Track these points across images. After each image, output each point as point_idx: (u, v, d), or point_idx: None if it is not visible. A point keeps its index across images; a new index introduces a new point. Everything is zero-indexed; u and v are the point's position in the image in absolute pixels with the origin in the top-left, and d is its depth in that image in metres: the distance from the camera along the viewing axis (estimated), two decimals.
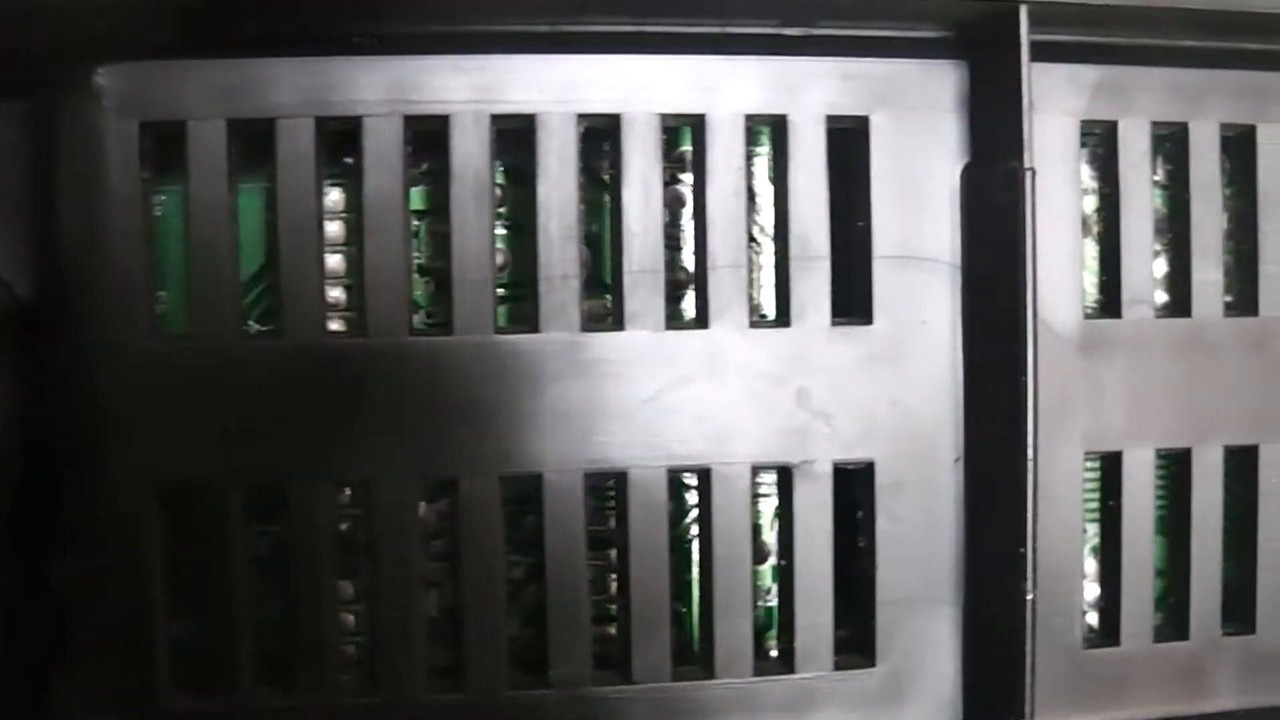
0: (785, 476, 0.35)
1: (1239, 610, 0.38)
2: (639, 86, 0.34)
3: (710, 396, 0.35)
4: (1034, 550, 0.34)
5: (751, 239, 0.36)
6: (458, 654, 0.34)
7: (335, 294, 0.36)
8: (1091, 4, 0.34)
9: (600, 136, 0.35)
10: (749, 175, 0.36)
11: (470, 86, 0.34)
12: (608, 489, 0.36)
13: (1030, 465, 0.33)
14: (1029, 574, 0.34)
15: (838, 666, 0.36)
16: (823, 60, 0.35)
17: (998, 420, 0.34)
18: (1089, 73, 0.36)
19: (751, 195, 0.37)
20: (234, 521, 0.33)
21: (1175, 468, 0.38)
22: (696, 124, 0.35)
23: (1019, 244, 0.33)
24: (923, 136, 0.35)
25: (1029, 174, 0.33)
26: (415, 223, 0.36)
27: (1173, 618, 0.38)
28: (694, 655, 0.36)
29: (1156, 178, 0.38)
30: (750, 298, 0.35)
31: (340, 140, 0.34)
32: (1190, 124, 0.37)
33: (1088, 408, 0.36)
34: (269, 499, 0.33)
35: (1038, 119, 0.36)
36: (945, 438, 0.36)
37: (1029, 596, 0.34)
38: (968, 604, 0.36)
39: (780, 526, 0.36)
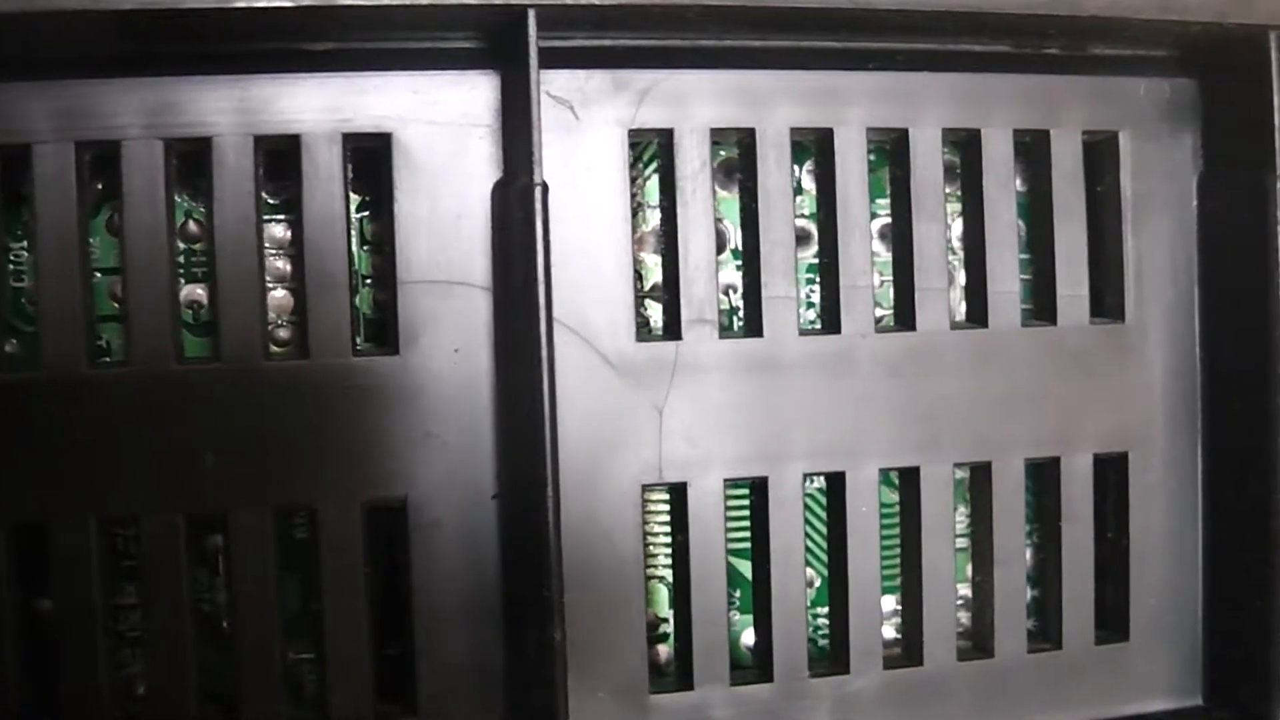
0: (313, 518, 0.33)
1: (832, 650, 0.36)
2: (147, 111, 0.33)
3: (227, 435, 0.33)
4: (560, 592, 0.32)
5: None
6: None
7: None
8: (608, 4, 0.31)
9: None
10: None
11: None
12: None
13: (550, 502, 0.31)
14: (554, 617, 0.32)
15: (379, 717, 0.34)
16: (345, 77, 0.33)
17: (525, 454, 0.32)
18: (640, 79, 0.34)
19: None
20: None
21: (755, 497, 0.35)
22: (204, 148, 0.33)
23: (532, 264, 0.31)
24: (454, 153, 0.33)
25: (539, 190, 0.31)
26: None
27: (758, 660, 0.36)
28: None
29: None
30: (267, 329, 0.33)
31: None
32: (756, 130, 0.34)
33: (646, 436, 0.34)
34: None
35: (586, 130, 0.34)
36: (484, 473, 0.33)
37: (556, 638, 0.32)
38: (510, 650, 0.34)
39: (310, 571, 0.34)
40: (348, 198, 0.33)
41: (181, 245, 0.35)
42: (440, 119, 0.33)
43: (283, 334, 0.35)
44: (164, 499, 0.32)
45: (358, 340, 0.35)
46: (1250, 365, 0.36)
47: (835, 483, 0.35)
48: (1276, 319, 0.35)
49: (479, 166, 0.33)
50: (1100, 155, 0.37)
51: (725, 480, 0.34)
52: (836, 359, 0.35)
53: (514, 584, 0.33)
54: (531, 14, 0.31)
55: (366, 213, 0.35)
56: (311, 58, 0.33)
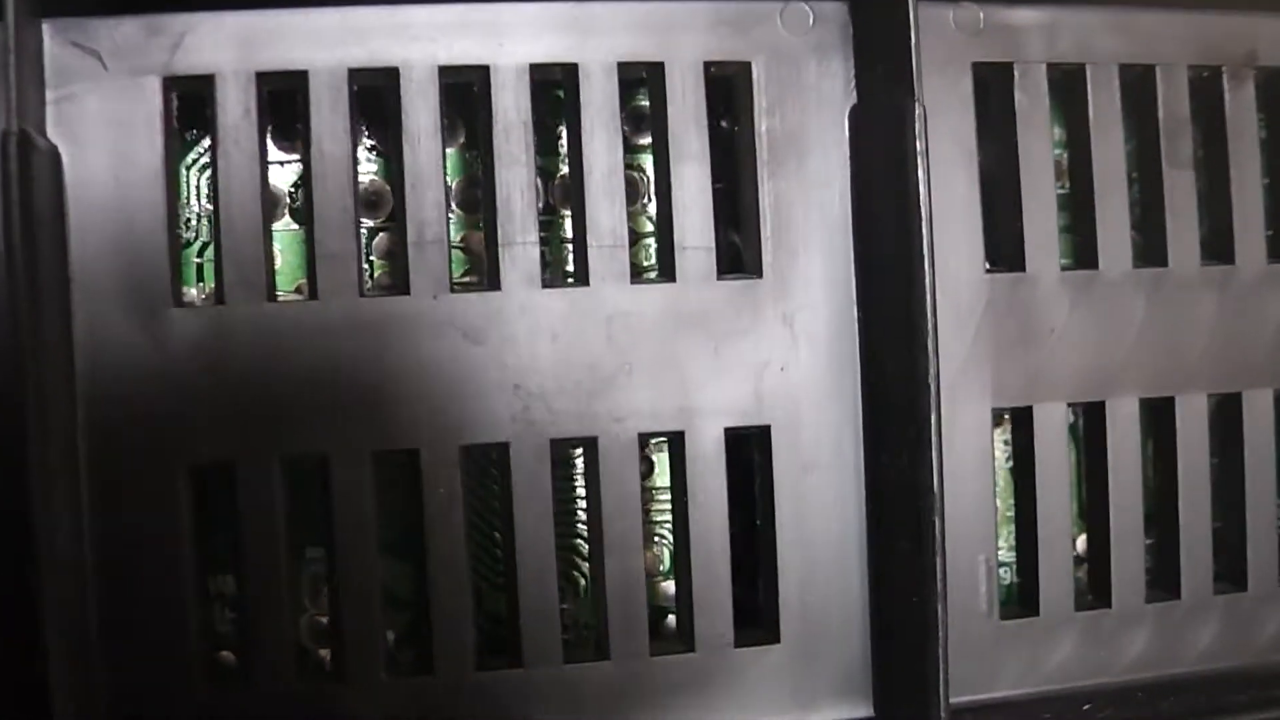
0: None
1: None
2: None
3: None
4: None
5: None
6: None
7: None
8: None
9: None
10: None
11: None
12: None
13: (38, 490, 0.28)
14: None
15: None
16: None
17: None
18: (176, 23, 0.31)
19: None
20: None
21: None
22: None
23: (10, 222, 0.28)
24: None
25: (14, 139, 0.28)
26: None
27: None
28: None
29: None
30: None
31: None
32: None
33: (193, 411, 0.31)
34: None
35: (117, 80, 0.31)
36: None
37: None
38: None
39: None
40: None
41: None
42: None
43: None
44: None
45: None
46: (899, 319, 0.31)
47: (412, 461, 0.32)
48: (920, 263, 0.30)
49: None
50: (734, 90, 0.33)
51: (281, 458, 0.31)
52: (401, 322, 0.31)
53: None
54: None
55: None
56: None
